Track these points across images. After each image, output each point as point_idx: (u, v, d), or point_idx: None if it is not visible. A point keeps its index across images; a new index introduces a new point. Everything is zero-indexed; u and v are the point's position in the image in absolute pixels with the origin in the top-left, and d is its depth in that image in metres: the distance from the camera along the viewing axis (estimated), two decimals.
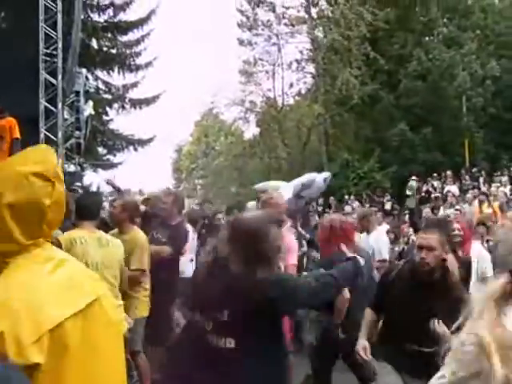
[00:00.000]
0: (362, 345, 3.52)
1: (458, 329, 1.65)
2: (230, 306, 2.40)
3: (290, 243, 4.41)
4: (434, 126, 22.89)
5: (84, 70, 15.25)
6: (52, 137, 10.85)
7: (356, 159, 23.64)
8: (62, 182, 1.47)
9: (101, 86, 24.00)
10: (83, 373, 1.34)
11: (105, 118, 24.10)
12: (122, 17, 23.49)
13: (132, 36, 23.83)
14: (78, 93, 13.88)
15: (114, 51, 23.75)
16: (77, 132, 14.23)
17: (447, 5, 24.84)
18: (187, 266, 6.95)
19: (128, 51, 23.92)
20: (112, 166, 24.47)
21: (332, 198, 18.55)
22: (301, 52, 27.19)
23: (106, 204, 7.35)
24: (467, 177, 18.53)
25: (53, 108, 10.99)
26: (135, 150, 24.75)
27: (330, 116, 25.79)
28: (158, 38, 43.70)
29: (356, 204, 17.75)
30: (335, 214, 5.09)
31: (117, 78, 23.83)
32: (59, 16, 11.03)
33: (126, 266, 4.42)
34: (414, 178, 18.46)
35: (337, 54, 24.72)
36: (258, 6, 26.83)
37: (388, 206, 17.26)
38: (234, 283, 2.39)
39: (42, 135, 10.75)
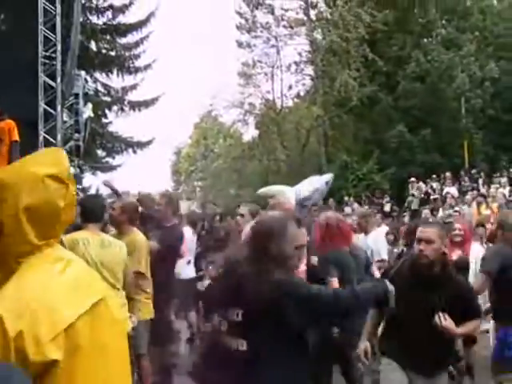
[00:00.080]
0: (364, 347, 3.52)
1: None
2: (243, 306, 2.35)
3: None
4: (432, 127, 22.93)
5: (83, 73, 15.25)
6: (51, 139, 10.83)
7: (355, 161, 23.67)
8: (74, 183, 1.50)
9: (100, 88, 24.00)
10: (94, 370, 1.37)
11: (104, 120, 24.09)
12: (121, 19, 23.51)
13: (131, 38, 23.85)
14: (77, 95, 13.87)
15: (113, 53, 23.75)
16: (76, 134, 14.20)
17: (446, 6, 24.90)
18: (184, 268, 6.96)
19: (127, 53, 23.92)
20: (111, 168, 24.47)
21: (331, 199, 18.57)
22: (299, 54, 27.29)
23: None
24: (466, 178, 18.55)
25: (52, 110, 10.98)
26: (134, 152, 24.74)
27: (328, 118, 25.82)
28: (157, 41, 43.68)
29: (355, 206, 17.76)
30: (331, 212, 5.06)
31: (116, 81, 23.86)
32: (58, 19, 11.02)
33: None
34: (412, 179, 18.50)
35: (335, 56, 24.76)
36: (257, 9, 26.89)
37: (387, 208, 17.28)
38: (246, 282, 2.34)
39: (41, 138, 10.73)
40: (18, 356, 1.23)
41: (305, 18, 26.86)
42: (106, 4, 23.20)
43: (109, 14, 23.26)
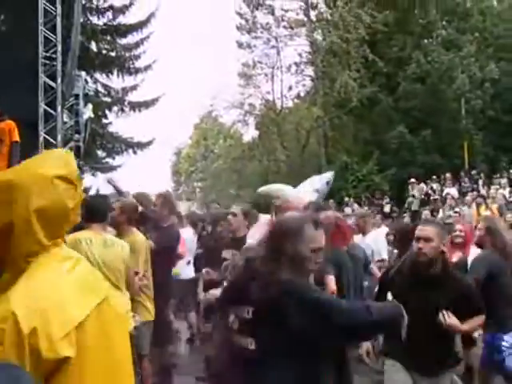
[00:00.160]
0: (366, 347, 3.52)
1: None
2: (253, 304, 2.32)
3: None
4: (433, 128, 22.94)
5: (83, 73, 15.21)
6: (51, 140, 10.82)
7: (355, 162, 23.67)
8: (81, 184, 1.53)
9: (100, 88, 23.96)
10: (103, 367, 1.40)
11: (104, 121, 24.05)
12: (122, 20, 23.45)
13: (131, 39, 23.81)
14: (77, 96, 13.85)
15: (113, 54, 23.72)
16: (76, 135, 14.19)
17: (446, 7, 24.90)
18: (184, 268, 6.96)
19: (127, 54, 23.89)
20: (111, 168, 24.43)
21: (331, 200, 18.57)
22: (300, 55, 27.30)
23: None
24: (466, 179, 18.56)
25: (52, 111, 10.97)
26: (134, 152, 24.71)
27: (328, 119, 25.83)
28: (157, 41, 43.57)
29: (355, 206, 17.77)
30: (330, 211, 5.06)
31: (116, 81, 23.81)
32: (59, 19, 11.01)
33: None
34: (412, 180, 18.50)
35: (336, 57, 24.77)
36: (257, 9, 26.91)
37: (387, 209, 17.30)
38: (257, 280, 2.32)
39: (41, 138, 10.73)
40: (32, 353, 1.25)
41: (305, 19, 26.87)
42: (106, 5, 23.17)
43: (109, 14, 23.23)
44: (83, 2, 17.68)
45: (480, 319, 3.42)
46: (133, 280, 4.58)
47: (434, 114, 23.22)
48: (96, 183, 21.01)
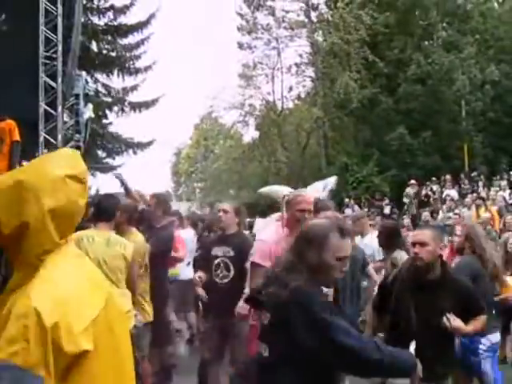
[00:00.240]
0: None
1: None
2: (269, 310, 2.32)
3: None
4: (433, 130, 22.94)
5: (84, 73, 15.19)
6: (52, 140, 10.82)
7: (355, 163, 23.66)
8: (89, 183, 1.57)
9: (100, 89, 23.98)
10: (111, 364, 1.43)
11: (104, 121, 24.07)
12: (122, 20, 23.49)
13: (132, 39, 23.85)
14: (77, 96, 13.85)
15: (113, 54, 23.74)
16: (76, 135, 14.19)
17: (446, 9, 24.90)
18: (183, 269, 6.95)
19: (128, 54, 23.92)
20: (111, 168, 24.39)
21: (331, 201, 18.53)
22: (300, 56, 27.29)
23: None
24: (466, 181, 18.56)
25: (52, 111, 10.96)
26: (134, 153, 24.74)
27: (329, 120, 25.82)
28: (157, 41, 43.94)
29: (356, 207, 17.79)
30: (330, 212, 5.06)
31: (116, 81, 23.84)
32: (59, 19, 11.01)
33: None
34: (412, 181, 18.49)
35: (336, 58, 24.76)
36: (258, 10, 26.90)
37: (387, 210, 17.33)
38: (273, 286, 2.30)
39: (41, 138, 10.72)
40: (54, 347, 1.28)
41: (306, 20, 26.87)
42: (107, 5, 23.21)
43: (110, 14, 23.26)
44: (84, 2, 17.67)
45: (482, 319, 3.42)
46: (135, 279, 4.59)
47: (434, 116, 23.23)
48: (96, 183, 21.03)
